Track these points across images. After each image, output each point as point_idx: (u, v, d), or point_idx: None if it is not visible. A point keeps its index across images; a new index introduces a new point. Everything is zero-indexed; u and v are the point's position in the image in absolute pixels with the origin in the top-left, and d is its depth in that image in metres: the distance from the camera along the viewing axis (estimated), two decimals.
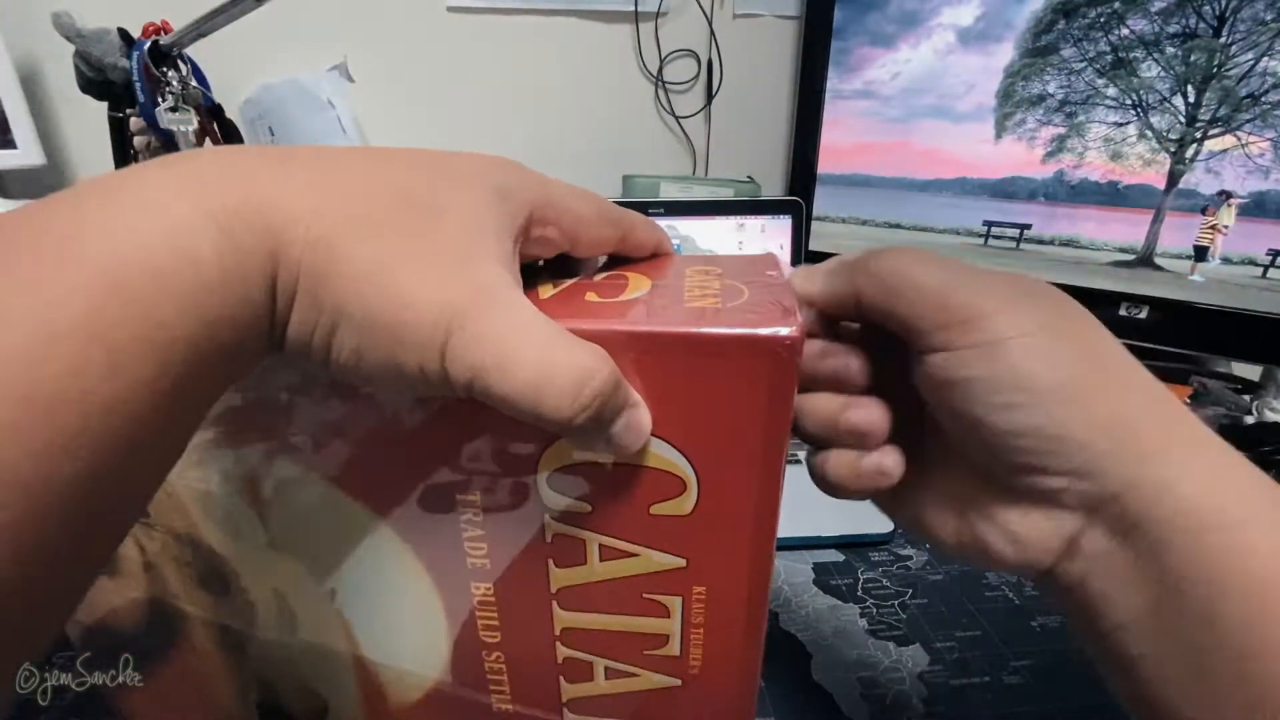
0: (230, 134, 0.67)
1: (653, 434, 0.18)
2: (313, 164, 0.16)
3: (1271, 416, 0.58)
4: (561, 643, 0.23)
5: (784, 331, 0.17)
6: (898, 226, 0.74)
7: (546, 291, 0.20)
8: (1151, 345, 0.60)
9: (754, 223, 0.63)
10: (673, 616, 0.21)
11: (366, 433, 0.20)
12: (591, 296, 0.19)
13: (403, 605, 0.23)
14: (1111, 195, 0.61)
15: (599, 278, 0.21)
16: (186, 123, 0.61)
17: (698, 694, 0.23)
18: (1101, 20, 0.57)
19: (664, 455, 0.19)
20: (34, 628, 0.13)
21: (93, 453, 0.12)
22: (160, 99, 0.60)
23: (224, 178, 0.14)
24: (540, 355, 0.15)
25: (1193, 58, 0.54)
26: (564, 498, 0.20)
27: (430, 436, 0.20)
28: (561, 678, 0.23)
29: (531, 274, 0.20)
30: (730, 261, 0.23)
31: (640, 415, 0.17)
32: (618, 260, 0.23)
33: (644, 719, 0.24)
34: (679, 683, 0.23)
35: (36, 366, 0.11)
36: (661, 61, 0.89)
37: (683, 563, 0.20)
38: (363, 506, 0.21)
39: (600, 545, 0.20)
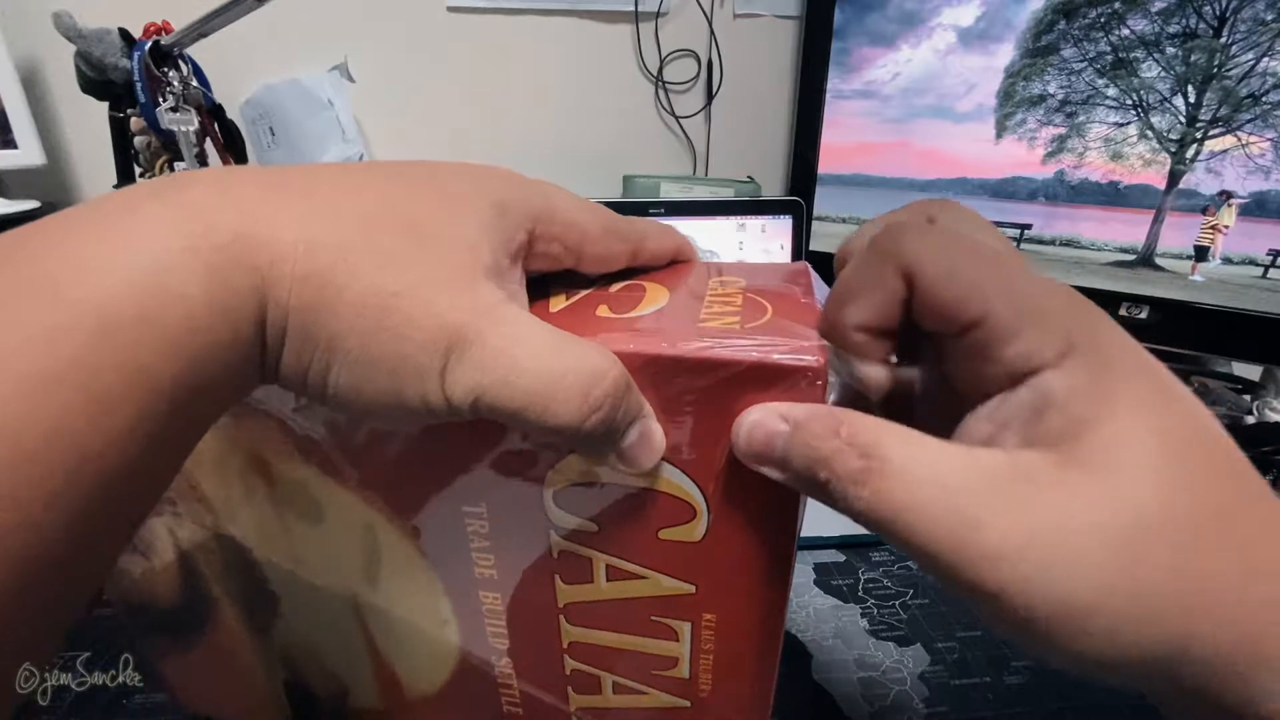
0: (231, 134, 0.67)
1: (662, 458, 0.17)
2: (306, 192, 0.15)
3: (1271, 416, 0.58)
4: (569, 655, 0.22)
5: (805, 361, 0.16)
6: None
7: (558, 304, 0.19)
8: (1151, 345, 0.60)
9: (754, 223, 0.63)
10: (681, 640, 0.21)
11: (377, 437, 0.20)
12: (603, 310, 0.18)
13: (413, 605, 0.23)
14: (1112, 195, 0.61)
15: (614, 288, 0.20)
16: (187, 123, 0.61)
17: (708, 716, 0.22)
18: (1102, 20, 0.57)
19: (674, 480, 0.18)
20: (24, 647, 0.13)
21: (78, 498, 0.12)
22: (161, 99, 0.60)
23: (215, 210, 0.14)
24: (543, 363, 0.15)
25: (1193, 58, 0.54)
26: (570, 516, 0.19)
27: (438, 445, 0.19)
28: (570, 688, 0.23)
29: (543, 286, 0.20)
30: (758, 272, 0.21)
31: (653, 427, 0.17)
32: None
33: None
34: (688, 704, 0.22)
35: (21, 416, 0.11)
36: (661, 61, 0.88)
37: (692, 589, 0.20)
38: (374, 509, 0.21)
39: (608, 565, 0.20)
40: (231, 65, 0.73)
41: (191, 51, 0.61)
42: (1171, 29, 0.54)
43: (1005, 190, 0.66)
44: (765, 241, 0.64)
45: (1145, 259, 0.60)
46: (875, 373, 0.17)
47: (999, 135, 0.65)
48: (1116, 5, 0.56)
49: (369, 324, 0.14)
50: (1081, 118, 0.60)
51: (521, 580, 0.21)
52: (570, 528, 0.20)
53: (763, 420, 0.16)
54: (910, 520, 0.14)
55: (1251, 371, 0.65)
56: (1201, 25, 0.53)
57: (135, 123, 0.63)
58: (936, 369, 0.18)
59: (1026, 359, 0.15)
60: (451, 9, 0.82)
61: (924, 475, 0.14)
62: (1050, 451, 0.14)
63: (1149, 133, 0.57)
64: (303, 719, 0.28)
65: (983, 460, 0.14)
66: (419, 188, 0.16)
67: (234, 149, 0.68)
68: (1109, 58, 0.58)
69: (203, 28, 0.56)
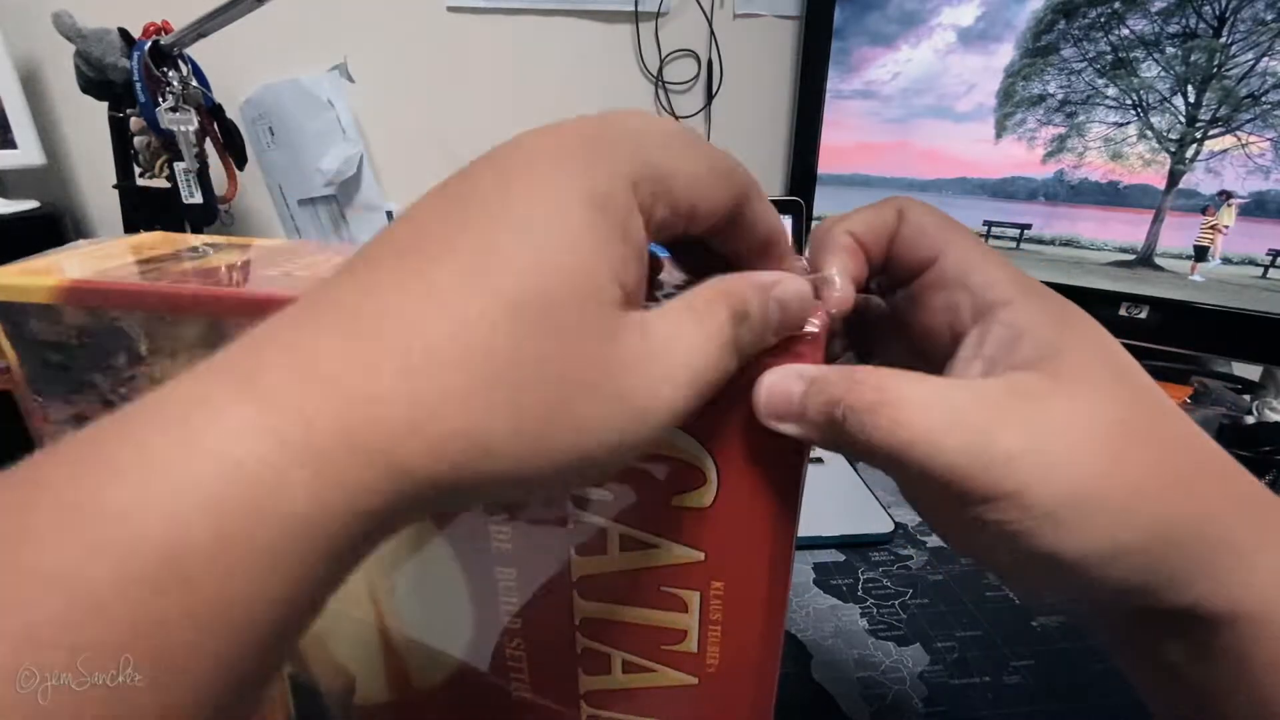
0: (231, 134, 0.67)
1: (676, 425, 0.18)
2: (378, 332, 0.12)
3: (1271, 416, 0.58)
4: (581, 633, 0.23)
5: (807, 325, 0.17)
6: None
7: None
8: (1151, 345, 0.60)
9: None
10: (690, 611, 0.21)
11: None
12: None
13: (428, 585, 0.23)
14: (1112, 195, 0.61)
15: None
16: (187, 123, 0.61)
17: (714, 694, 0.23)
18: (1101, 20, 0.57)
19: (685, 446, 0.19)
20: None
21: None
22: (161, 99, 0.60)
23: (306, 396, 0.11)
24: (711, 361, 0.15)
25: (1193, 58, 0.54)
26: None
27: None
28: (580, 669, 0.23)
29: None
30: None
31: (789, 287, 0.17)
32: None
33: (660, 716, 0.24)
34: (696, 681, 0.23)
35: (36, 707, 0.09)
36: (661, 61, 0.89)
37: (701, 556, 0.20)
38: None
39: (621, 535, 0.20)
40: (231, 65, 0.73)
41: (191, 51, 0.61)
42: (1171, 29, 0.54)
43: (1005, 190, 0.66)
44: None
45: (1145, 259, 0.60)
46: (840, 291, 0.19)
47: (999, 135, 0.65)
48: (1116, 5, 0.56)
49: (535, 465, 0.13)
50: (1081, 117, 0.60)
51: (537, 554, 0.21)
52: (587, 497, 0.20)
53: (781, 379, 0.17)
54: (929, 441, 0.15)
55: (1251, 371, 0.65)
56: (1201, 25, 0.53)
57: (135, 123, 0.63)
58: (909, 324, 0.20)
59: (989, 286, 0.18)
60: (451, 9, 0.82)
61: (935, 401, 0.16)
62: (1033, 371, 0.16)
63: (1149, 132, 0.57)
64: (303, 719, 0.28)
65: (981, 385, 0.16)
66: (497, 244, 0.13)
67: (234, 149, 0.68)
68: (1109, 57, 0.58)
69: (202, 28, 0.56)
